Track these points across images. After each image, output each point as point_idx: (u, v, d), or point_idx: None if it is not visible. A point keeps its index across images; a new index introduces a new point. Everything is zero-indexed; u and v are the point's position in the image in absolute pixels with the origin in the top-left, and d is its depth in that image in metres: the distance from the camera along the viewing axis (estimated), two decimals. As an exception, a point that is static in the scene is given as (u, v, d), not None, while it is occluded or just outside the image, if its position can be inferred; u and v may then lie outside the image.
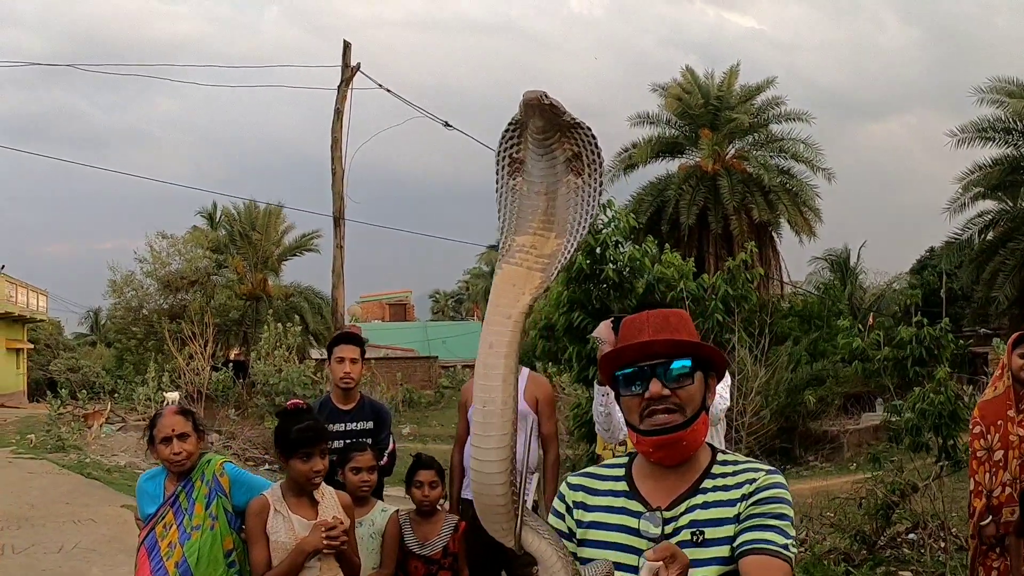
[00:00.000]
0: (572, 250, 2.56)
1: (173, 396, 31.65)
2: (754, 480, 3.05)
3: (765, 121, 43.29)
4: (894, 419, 14.93)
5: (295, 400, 6.58)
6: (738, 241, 39.61)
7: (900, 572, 12.21)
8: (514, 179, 2.60)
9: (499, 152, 2.64)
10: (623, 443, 7.54)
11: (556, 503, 3.31)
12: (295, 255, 52.90)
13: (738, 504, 3.00)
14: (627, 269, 16.03)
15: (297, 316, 39.20)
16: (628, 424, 3.18)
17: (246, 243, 50.49)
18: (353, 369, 8.18)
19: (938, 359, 15.55)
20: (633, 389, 3.11)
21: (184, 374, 32.77)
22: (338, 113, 24.13)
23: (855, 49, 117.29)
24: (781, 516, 2.97)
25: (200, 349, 33.43)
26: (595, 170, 2.58)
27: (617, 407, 6.44)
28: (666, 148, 43.80)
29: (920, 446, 13.41)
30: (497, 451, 2.51)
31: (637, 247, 16.24)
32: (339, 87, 24.24)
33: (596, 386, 6.78)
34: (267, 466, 25.22)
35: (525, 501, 2.59)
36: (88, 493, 18.13)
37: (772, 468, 3.13)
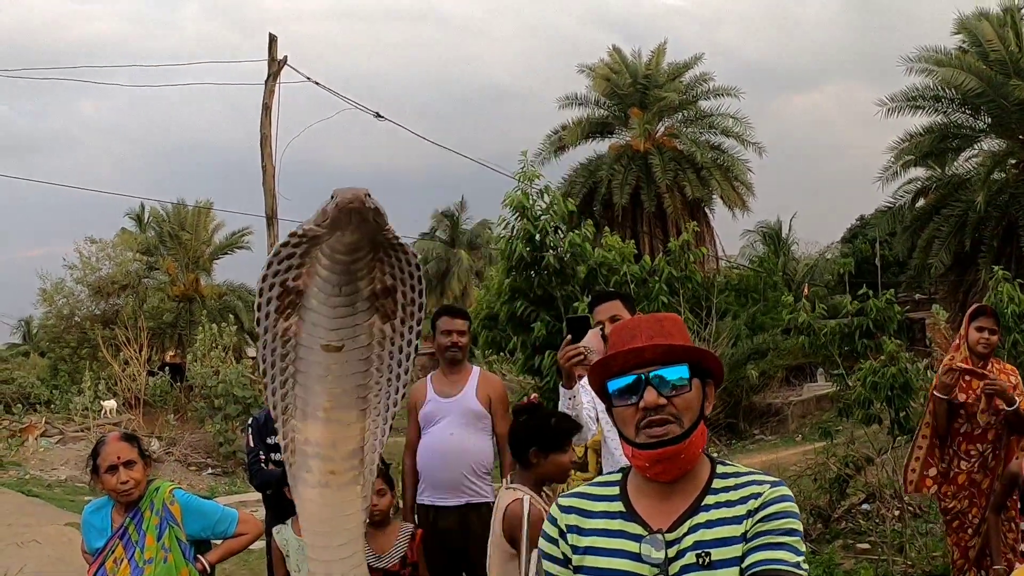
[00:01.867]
0: (385, 437, 1.92)
1: (110, 404, 31.31)
2: (759, 495, 2.90)
3: (694, 98, 43.42)
4: (843, 393, 14.94)
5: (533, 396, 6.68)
6: (672, 219, 39.77)
7: (858, 544, 12.25)
8: (287, 321, 1.93)
9: (265, 278, 1.97)
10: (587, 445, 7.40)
11: (548, 527, 3.12)
12: (226, 253, 52.50)
13: (744, 521, 2.86)
14: (568, 255, 15.91)
15: (232, 315, 38.75)
16: (622, 437, 3.02)
17: (176, 244, 49.99)
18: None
19: (885, 330, 15.58)
20: (627, 399, 2.94)
21: (120, 380, 32.43)
22: (266, 109, 23.72)
23: (776, 21, 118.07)
24: (791, 532, 2.83)
25: (135, 354, 33.09)
26: (412, 316, 1.93)
27: (583, 405, 6.30)
28: (596, 129, 43.80)
29: (872, 419, 13.43)
30: None
31: (577, 232, 16.13)
32: (266, 82, 23.83)
33: (562, 389, 6.56)
34: (210, 470, 25.02)
35: None
36: (29, 512, 17.74)
37: (776, 480, 2.98)
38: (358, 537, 1.90)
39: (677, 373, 2.92)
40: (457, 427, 7.94)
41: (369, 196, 1.86)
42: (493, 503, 8.13)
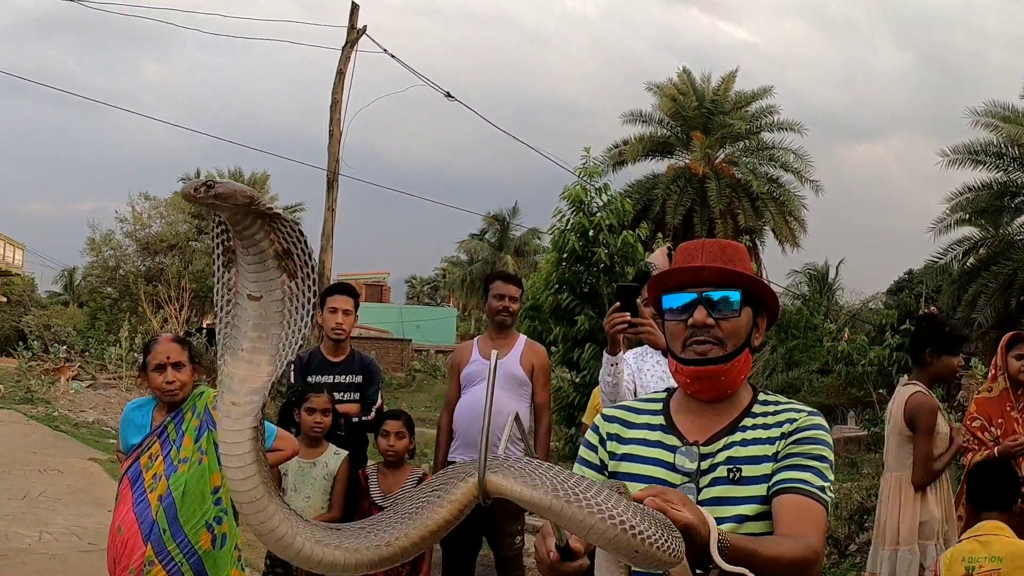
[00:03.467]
0: (276, 379, 2.22)
1: (146, 357, 31.40)
2: (795, 420, 2.95)
3: (758, 128, 43.38)
4: (873, 429, 14.92)
5: (932, 308, 7.36)
6: (719, 244, 39.68)
7: (868, 577, 12.20)
8: (229, 271, 2.27)
9: (214, 237, 2.31)
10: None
11: (589, 435, 3.18)
12: (278, 226, 52.73)
13: (777, 443, 2.91)
14: (619, 254, 15.97)
15: (275, 286, 38.94)
16: (669, 350, 3.08)
17: (228, 211, 50.10)
18: (345, 320, 8.10)
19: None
20: (678, 316, 3.00)
21: (157, 338, 32.53)
22: (340, 74, 23.79)
23: (847, 69, 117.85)
24: (821, 458, 2.87)
25: (175, 313, 33.18)
26: (308, 274, 2.24)
27: (624, 378, 6.36)
28: (657, 148, 43.82)
29: (901, 453, 13.42)
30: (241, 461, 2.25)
31: (631, 232, 16.18)
32: (343, 48, 23.90)
33: (605, 355, 6.63)
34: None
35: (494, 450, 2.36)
36: (55, 445, 17.89)
37: (814, 410, 3.03)
38: (251, 463, 2.17)
39: (730, 297, 2.98)
40: (498, 389, 7.87)
41: (205, 187, 2.08)
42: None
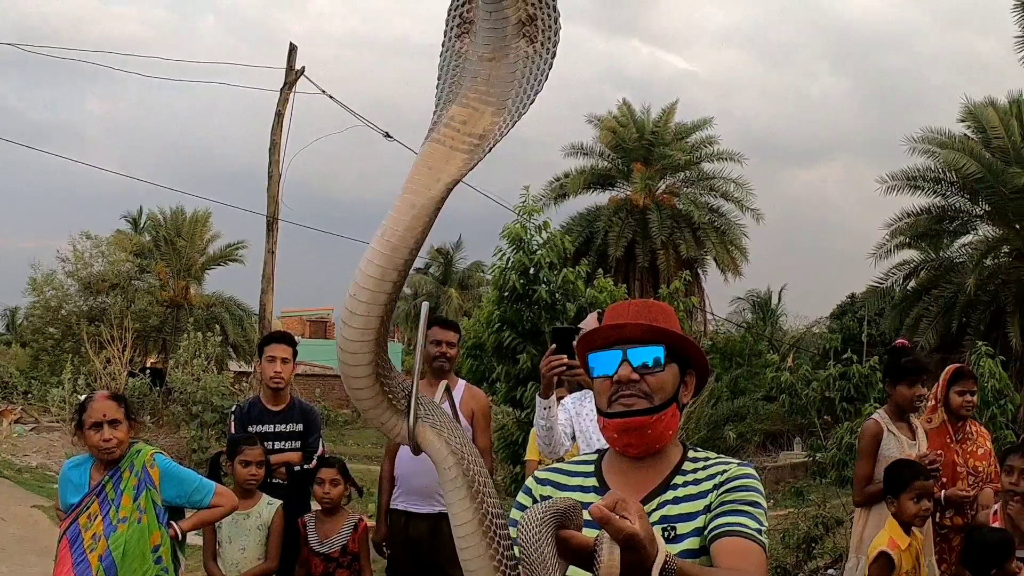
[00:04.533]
0: (507, 131, 2.30)
1: (89, 400, 31.11)
2: (726, 471, 2.99)
3: (698, 159, 43.65)
4: (819, 455, 15.01)
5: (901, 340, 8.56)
6: (664, 275, 39.88)
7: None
8: (461, 41, 2.35)
9: (449, 11, 2.40)
10: (561, 460, 7.48)
11: (522, 497, 3.20)
12: (219, 264, 52.27)
13: (709, 495, 2.94)
14: (560, 291, 16.02)
15: (218, 326, 38.67)
16: (597, 408, 3.11)
17: (170, 249, 49.67)
18: (284, 369, 8.04)
19: (865, 397, 15.68)
20: (605, 372, 3.04)
21: (100, 378, 32.29)
22: (279, 116, 23.79)
23: (787, 96, 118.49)
24: (754, 503, 2.91)
25: (118, 353, 32.92)
26: (549, 39, 2.32)
27: (559, 422, 6.39)
28: (598, 180, 43.95)
29: (846, 480, 13.48)
30: (362, 333, 2.26)
31: (571, 270, 16.25)
32: (282, 89, 23.89)
33: (538, 399, 6.68)
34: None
35: (419, 398, 2.38)
36: (-2, 491, 17.74)
37: (744, 462, 3.08)
38: (427, 207, 2.22)
39: (653, 352, 3.01)
40: (440, 435, 7.94)
41: None
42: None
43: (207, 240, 51.79)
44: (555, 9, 2.32)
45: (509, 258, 16.32)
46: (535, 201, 17.78)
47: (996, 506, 7.03)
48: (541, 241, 16.11)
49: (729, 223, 43.61)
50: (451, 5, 2.39)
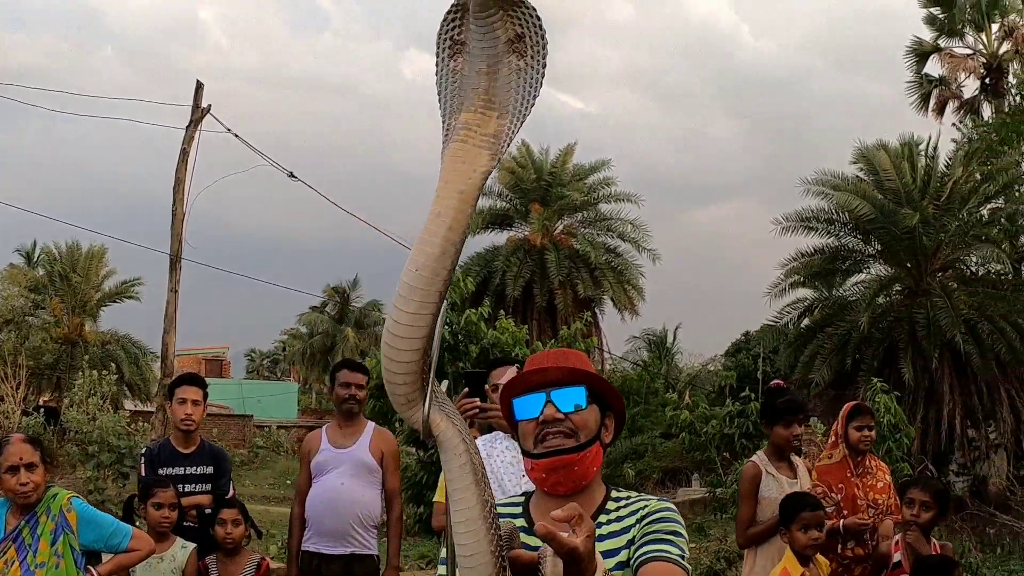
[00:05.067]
0: (516, 132, 2.51)
1: (-21, 440, 30.48)
2: (647, 506, 3.13)
3: (595, 200, 43.92)
4: (719, 491, 15.24)
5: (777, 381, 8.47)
6: (562, 315, 40.09)
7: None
8: (455, 61, 2.55)
9: (440, 35, 2.60)
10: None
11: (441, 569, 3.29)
12: (115, 301, 51.36)
13: (632, 529, 3.07)
14: (462, 332, 16.12)
15: (113, 364, 38.12)
16: (523, 452, 3.22)
17: (65, 285, 48.82)
18: (195, 411, 8.02)
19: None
20: (529, 415, 3.16)
21: (-8, 417, 31.72)
22: (184, 154, 23.53)
23: (683, 137, 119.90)
24: (676, 533, 3.04)
25: (12, 392, 32.34)
26: (538, 52, 2.53)
27: (491, 460, 6.51)
28: (496, 220, 44.05)
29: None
30: (417, 316, 2.40)
31: (474, 311, 16.37)
32: (187, 127, 23.65)
33: None
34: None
35: (436, 384, 2.51)
36: None
37: (663, 498, 3.23)
38: (471, 192, 2.44)
39: (575, 392, 3.15)
40: (348, 478, 8.01)
41: None
42: (377, 556, 8.29)
43: (103, 276, 50.89)
44: (541, 27, 2.52)
45: (412, 299, 16.41)
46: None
47: (897, 537, 7.24)
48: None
49: (626, 263, 43.90)
50: (441, 30, 2.59)
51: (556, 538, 2.33)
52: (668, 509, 3.13)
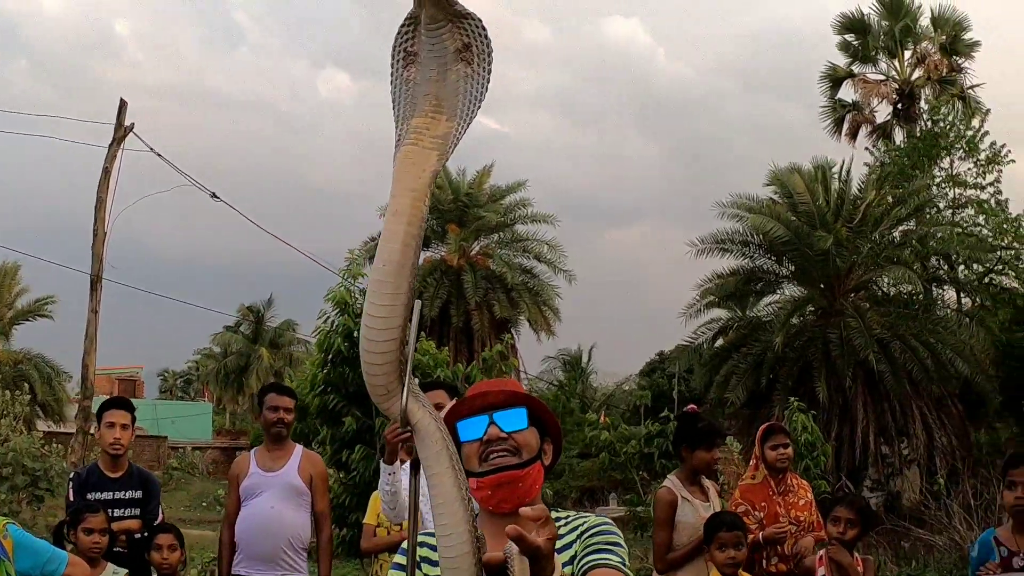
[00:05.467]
0: (463, 133, 2.69)
1: None
2: (586, 522, 3.27)
3: (512, 221, 44.03)
4: (638, 509, 15.38)
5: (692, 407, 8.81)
6: (479, 336, 40.15)
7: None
8: (408, 71, 2.72)
9: (394, 47, 2.76)
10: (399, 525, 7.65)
11: (398, 557, 3.40)
12: (28, 320, 50.52)
13: (574, 546, 3.19)
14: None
15: (27, 384, 37.57)
16: (468, 473, 3.26)
17: (-24, 303, 48.17)
18: (123, 435, 7.97)
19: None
20: (473, 436, 3.29)
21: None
22: (106, 172, 23.17)
23: (599, 158, 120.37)
24: (615, 544, 3.17)
25: None
26: (484, 60, 2.70)
27: (403, 486, 6.57)
28: (413, 240, 44.00)
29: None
30: (390, 308, 2.56)
31: (395, 332, 16.39)
32: (110, 146, 23.30)
33: (383, 465, 6.88)
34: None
35: (412, 376, 2.67)
36: None
37: (600, 515, 3.40)
38: (422, 189, 2.65)
39: (517, 414, 3.30)
40: (278, 501, 8.04)
41: None
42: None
43: (15, 294, 50.10)
44: (486, 37, 2.70)
45: (334, 321, 16.43)
46: (358, 266, 17.95)
47: (821, 552, 7.40)
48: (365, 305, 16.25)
49: (542, 284, 44.03)
50: (396, 42, 2.76)
51: (524, 538, 2.46)
52: (606, 523, 3.27)
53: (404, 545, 3.40)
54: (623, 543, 3.21)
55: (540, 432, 3.36)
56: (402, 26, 2.75)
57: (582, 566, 3.09)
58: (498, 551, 2.83)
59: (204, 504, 37.12)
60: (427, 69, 2.68)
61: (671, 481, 7.93)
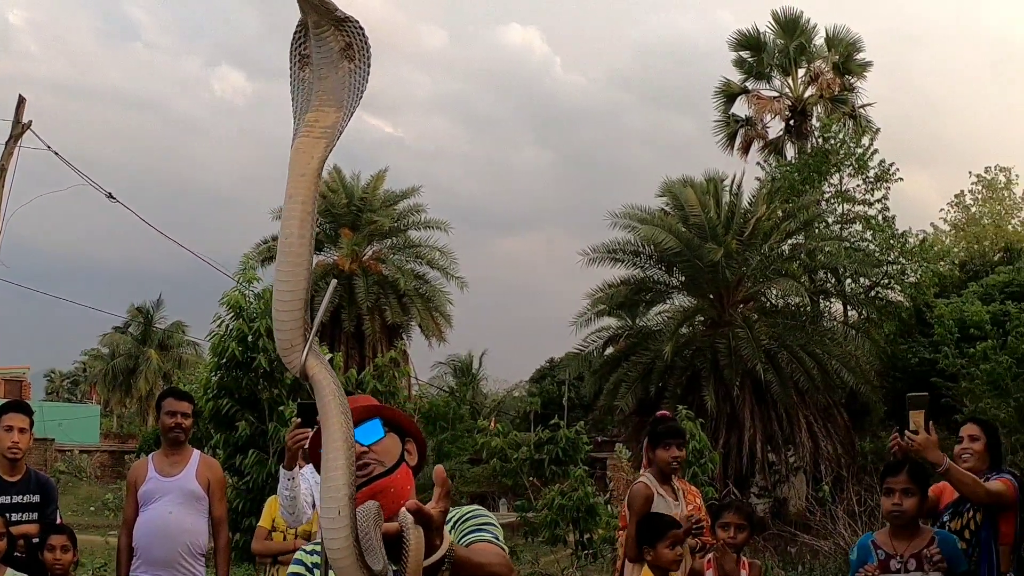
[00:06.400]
0: (347, 122, 2.99)
1: None
2: (458, 512, 3.48)
3: (405, 227, 44.10)
4: (529, 514, 15.53)
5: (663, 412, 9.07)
6: (370, 341, 40.18)
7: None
8: (303, 71, 3.03)
9: (291, 52, 3.05)
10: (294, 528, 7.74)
11: (294, 567, 3.53)
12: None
13: (451, 534, 3.28)
14: (278, 360, 16.12)
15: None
16: None
17: None
18: (21, 439, 7.91)
19: (573, 459, 16.31)
20: None
21: None
22: (2, 171, 22.84)
23: (493, 165, 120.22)
24: (488, 523, 3.43)
25: None
26: (364, 56, 3.01)
27: (302, 491, 6.68)
28: (305, 244, 43.81)
29: (557, 539, 14.01)
30: (294, 272, 2.81)
31: (288, 337, 16.39)
32: (7, 143, 22.86)
33: (282, 470, 6.98)
34: None
35: (316, 340, 2.87)
36: None
37: (471, 504, 3.69)
38: (311, 174, 2.90)
39: (372, 425, 3.49)
40: (176, 506, 8.04)
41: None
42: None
43: None
44: (365, 36, 3.01)
45: (228, 325, 16.39)
46: (252, 270, 17.93)
47: (709, 556, 7.59)
48: (260, 310, 16.21)
49: (434, 290, 44.15)
50: (292, 47, 3.07)
51: (421, 509, 2.72)
52: (477, 508, 3.51)
53: (297, 555, 3.58)
54: (496, 523, 3.45)
55: (400, 436, 3.55)
56: (295, 32, 3.05)
57: (460, 544, 3.25)
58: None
59: (92, 509, 36.66)
60: (318, 68, 2.97)
61: (647, 478, 8.12)
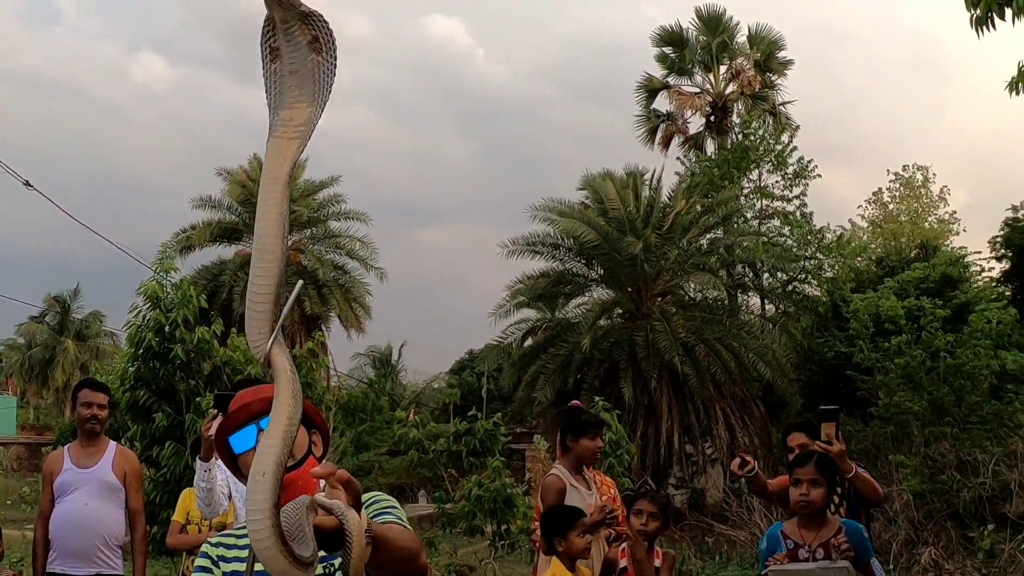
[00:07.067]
0: (320, 116, 3.05)
1: None
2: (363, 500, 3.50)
3: (325, 217, 44.03)
4: (448, 506, 15.59)
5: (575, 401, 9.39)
6: (289, 332, 39.97)
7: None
8: (274, 64, 3.08)
9: (261, 45, 3.10)
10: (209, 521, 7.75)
11: (202, 561, 3.56)
12: None
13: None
14: (195, 350, 16.08)
15: None
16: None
17: None
18: None
19: (490, 451, 16.39)
20: (246, 447, 3.51)
21: None
22: None
23: (415, 156, 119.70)
24: (392, 507, 3.46)
25: None
26: (331, 48, 3.07)
27: (218, 483, 6.70)
28: (225, 233, 43.58)
29: (475, 530, 14.08)
30: (269, 268, 2.89)
31: (205, 329, 16.34)
32: None
33: (198, 461, 6.99)
34: None
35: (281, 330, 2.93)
36: None
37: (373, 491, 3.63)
38: (283, 177, 2.97)
39: None
40: (92, 498, 8.01)
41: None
42: (122, 576, 8.32)
43: None
44: (330, 29, 3.05)
45: (146, 315, 16.29)
46: (170, 260, 17.83)
47: (623, 545, 7.68)
48: (177, 300, 16.12)
49: (353, 280, 44.14)
50: (262, 40, 3.12)
51: (350, 479, 2.76)
52: (378, 493, 3.54)
53: (203, 548, 3.61)
54: (399, 506, 3.49)
55: (307, 427, 3.55)
56: (264, 26, 3.10)
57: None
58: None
59: (9, 502, 36.24)
60: (288, 62, 3.02)
61: (559, 469, 8.06)
